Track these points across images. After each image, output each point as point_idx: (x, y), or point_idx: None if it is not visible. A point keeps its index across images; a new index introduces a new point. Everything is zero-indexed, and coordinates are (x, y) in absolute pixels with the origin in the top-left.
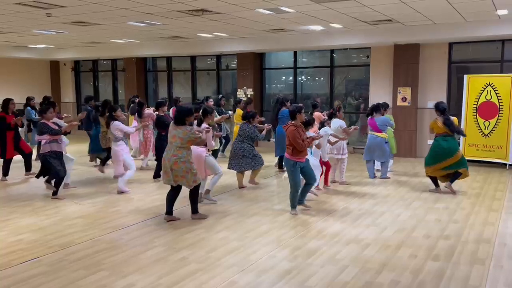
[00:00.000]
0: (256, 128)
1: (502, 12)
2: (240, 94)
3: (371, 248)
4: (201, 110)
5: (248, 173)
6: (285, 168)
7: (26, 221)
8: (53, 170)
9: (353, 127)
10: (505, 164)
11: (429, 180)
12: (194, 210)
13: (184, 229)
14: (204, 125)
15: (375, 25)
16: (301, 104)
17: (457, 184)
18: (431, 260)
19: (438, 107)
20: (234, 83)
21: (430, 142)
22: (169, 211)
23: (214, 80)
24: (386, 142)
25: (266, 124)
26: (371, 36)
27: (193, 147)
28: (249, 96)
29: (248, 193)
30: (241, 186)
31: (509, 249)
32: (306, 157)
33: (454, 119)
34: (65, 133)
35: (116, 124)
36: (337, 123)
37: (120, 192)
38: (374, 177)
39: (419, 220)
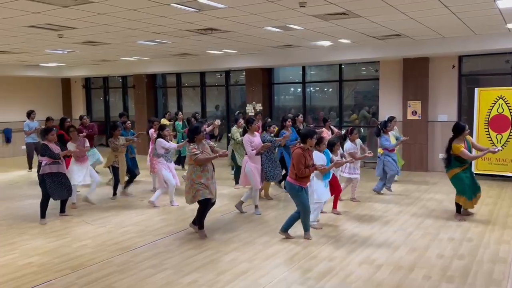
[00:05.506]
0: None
1: None
2: (249, 109)
3: (384, 270)
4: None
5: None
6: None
7: (36, 243)
8: (44, 191)
9: (366, 151)
10: None
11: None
12: (200, 226)
13: (193, 250)
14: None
15: (383, 39)
16: (314, 130)
17: None
18: (446, 281)
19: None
20: (243, 98)
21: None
22: (199, 226)
23: (223, 94)
24: (379, 157)
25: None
26: (379, 50)
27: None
28: (258, 110)
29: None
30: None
31: None
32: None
33: (468, 137)
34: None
35: (159, 141)
36: (347, 146)
37: (153, 205)
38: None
39: (432, 239)
